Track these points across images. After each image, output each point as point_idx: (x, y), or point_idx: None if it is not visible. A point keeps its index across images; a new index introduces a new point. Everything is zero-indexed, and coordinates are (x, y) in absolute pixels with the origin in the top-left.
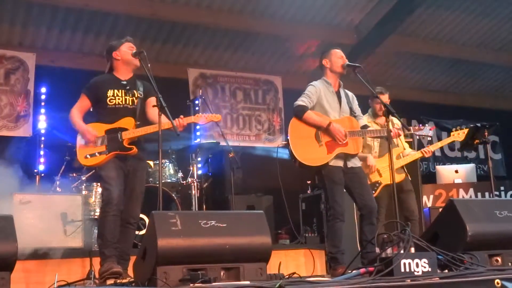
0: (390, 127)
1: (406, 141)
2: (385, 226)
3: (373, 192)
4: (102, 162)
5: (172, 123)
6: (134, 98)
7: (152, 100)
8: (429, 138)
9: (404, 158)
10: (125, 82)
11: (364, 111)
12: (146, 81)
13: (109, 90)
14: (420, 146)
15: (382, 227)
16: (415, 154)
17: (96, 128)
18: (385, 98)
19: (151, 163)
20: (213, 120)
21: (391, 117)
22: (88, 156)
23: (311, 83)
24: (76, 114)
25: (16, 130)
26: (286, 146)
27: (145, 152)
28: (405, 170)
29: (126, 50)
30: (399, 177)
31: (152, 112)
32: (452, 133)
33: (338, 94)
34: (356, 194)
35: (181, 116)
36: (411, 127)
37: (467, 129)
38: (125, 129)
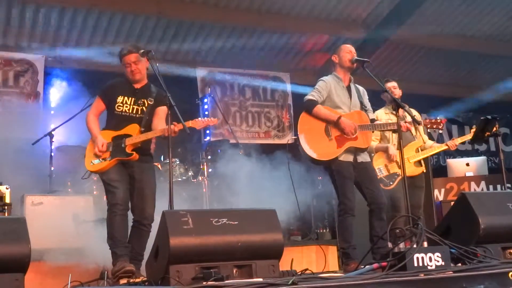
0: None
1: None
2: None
3: (391, 183)
4: (105, 168)
5: (182, 122)
6: (144, 107)
7: (160, 110)
8: (440, 131)
9: (427, 150)
10: (137, 91)
11: (377, 105)
12: (156, 81)
13: (120, 96)
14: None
15: (397, 221)
16: (440, 146)
17: (104, 135)
18: (393, 84)
19: (158, 165)
20: (210, 124)
21: (408, 109)
22: (93, 162)
23: (321, 78)
24: (92, 120)
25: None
26: (296, 142)
27: (150, 155)
28: (422, 164)
29: (124, 68)
30: (417, 171)
31: (156, 121)
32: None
33: (348, 89)
34: (366, 189)
35: (174, 123)
36: (421, 120)
37: (474, 129)
38: (130, 136)
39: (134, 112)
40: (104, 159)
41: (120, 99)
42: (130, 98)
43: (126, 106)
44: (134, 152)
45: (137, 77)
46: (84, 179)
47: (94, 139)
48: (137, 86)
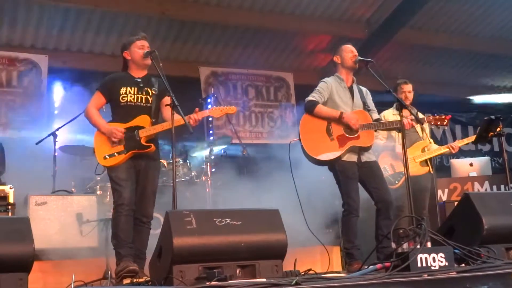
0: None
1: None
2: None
3: (396, 182)
4: (121, 161)
5: (184, 120)
6: (148, 96)
7: (166, 99)
8: (445, 127)
9: (429, 152)
10: (139, 80)
11: (382, 106)
12: (160, 79)
13: (122, 88)
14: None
15: (401, 221)
16: (441, 148)
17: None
18: (409, 87)
19: (164, 162)
20: (228, 112)
21: (412, 110)
22: (107, 156)
23: (323, 80)
24: (95, 113)
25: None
26: (299, 143)
27: (158, 151)
28: (429, 164)
29: (136, 50)
30: (423, 170)
31: (166, 111)
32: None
33: (350, 90)
34: (372, 188)
35: (197, 109)
36: (425, 118)
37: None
38: (142, 127)
39: (139, 101)
40: (119, 152)
41: (123, 90)
42: (133, 88)
43: (131, 96)
44: (151, 144)
45: (146, 61)
46: (87, 178)
47: (104, 130)
48: (138, 76)
